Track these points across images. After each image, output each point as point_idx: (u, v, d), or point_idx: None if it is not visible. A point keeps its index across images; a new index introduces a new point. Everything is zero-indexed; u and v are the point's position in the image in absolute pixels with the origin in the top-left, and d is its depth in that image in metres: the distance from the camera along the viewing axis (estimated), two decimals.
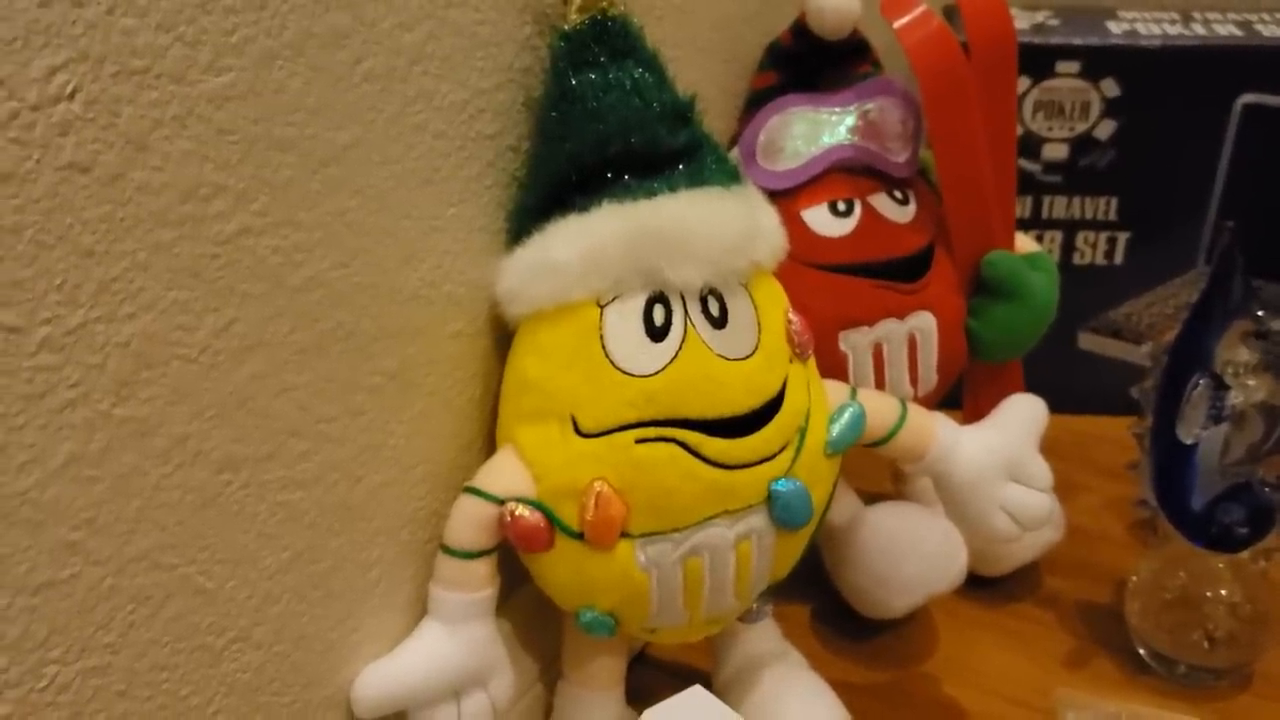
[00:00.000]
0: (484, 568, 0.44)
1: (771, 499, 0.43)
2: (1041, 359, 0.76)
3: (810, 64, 0.58)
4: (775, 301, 0.45)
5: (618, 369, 0.42)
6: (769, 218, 0.45)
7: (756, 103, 0.58)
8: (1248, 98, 0.68)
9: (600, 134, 0.42)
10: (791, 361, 0.45)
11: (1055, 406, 0.77)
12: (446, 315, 0.44)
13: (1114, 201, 0.72)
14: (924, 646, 0.59)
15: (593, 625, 0.44)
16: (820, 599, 0.61)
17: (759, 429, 0.43)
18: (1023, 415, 0.49)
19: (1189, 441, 0.51)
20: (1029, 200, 0.73)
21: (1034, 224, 0.73)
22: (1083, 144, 0.71)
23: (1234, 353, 0.51)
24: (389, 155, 0.40)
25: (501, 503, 0.43)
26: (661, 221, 0.42)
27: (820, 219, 0.55)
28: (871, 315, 0.55)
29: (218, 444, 0.36)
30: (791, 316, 0.45)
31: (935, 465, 0.48)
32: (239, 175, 0.34)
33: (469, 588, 0.44)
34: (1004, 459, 0.48)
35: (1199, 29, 0.69)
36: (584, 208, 0.42)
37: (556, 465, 0.43)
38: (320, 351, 0.39)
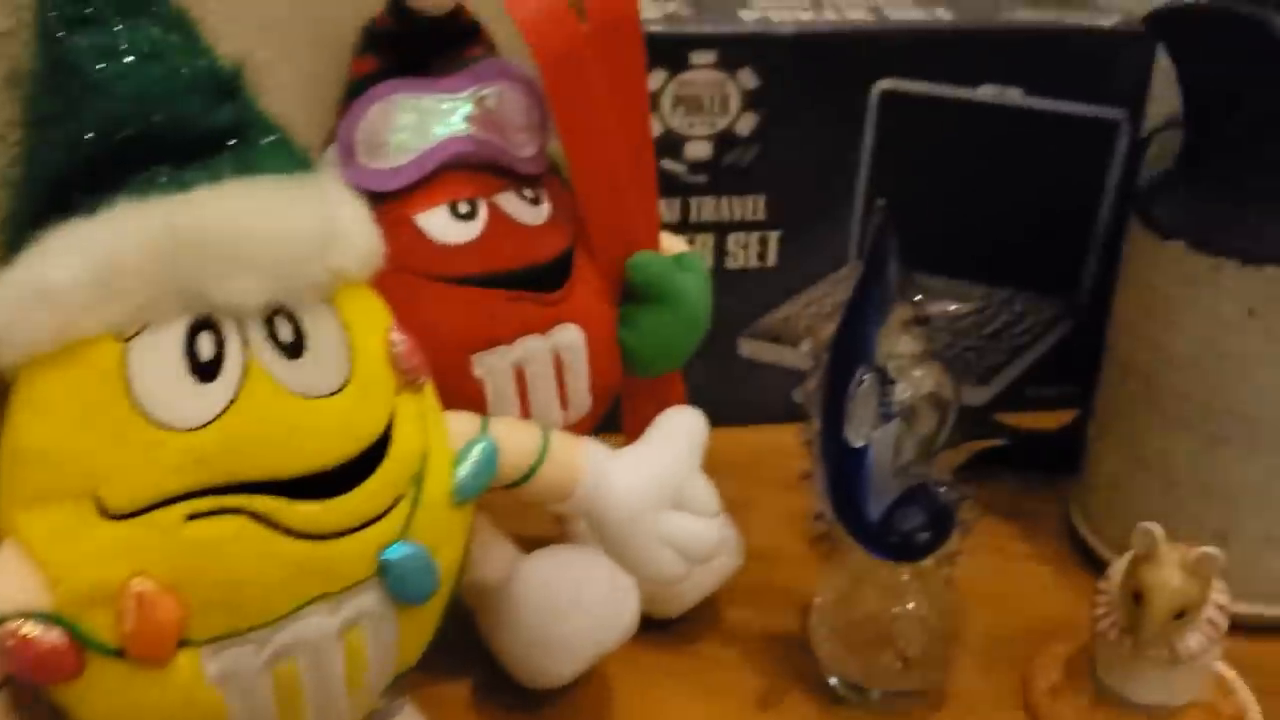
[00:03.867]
0: None
1: (384, 571, 0.34)
2: (705, 370, 0.70)
3: (413, 46, 0.49)
4: (372, 319, 0.36)
5: (153, 423, 0.32)
6: (354, 214, 0.37)
7: (356, 92, 0.48)
8: (884, 84, 0.66)
9: (108, 112, 0.32)
10: (399, 393, 0.36)
11: (723, 419, 0.72)
12: None
13: (761, 200, 0.68)
14: (602, 706, 0.52)
15: None
16: (483, 670, 0.52)
17: (358, 483, 0.34)
18: (680, 432, 0.43)
19: (859, 444, 0.46)
20: (676, 203, 0.68)
21: (683, 228, 0.68)
22: (725, 141, 0.66)
23: (897, 344, 0.47)
24: None
25: (1, 621, 0.31)
26: (200, 221, 0.32)
27: (438, 223, 0.47)
28: (509, 332, 0.47)
29: None
30: (395, 336, 0.36)
31: (586, 501, 0.40)
32: None
33: None
34: (663, 485, 0.41)
35: (830, 15, 0.66)
36: (91, 209, 0.32)
37: (78, 561, 0.32)
38: None
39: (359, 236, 0.36)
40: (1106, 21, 0.66)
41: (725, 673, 0.53)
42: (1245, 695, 0.49)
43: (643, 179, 0.52)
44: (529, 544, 0.51)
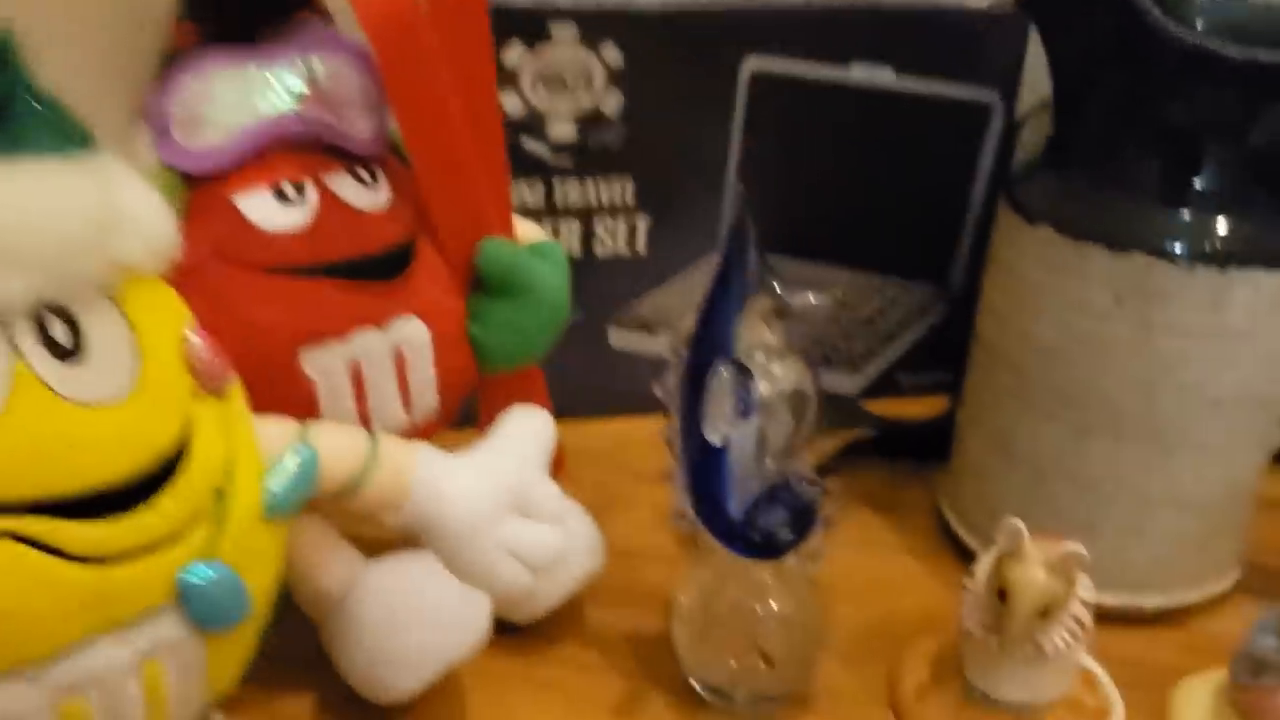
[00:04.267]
0: None
1: (183, 596, 0.31)
2: (575, 361, 0.68)
3: (237, 13, 0.46)
4: (165, 317, 0.33)
5: None
6: (142, 197, 0.33)
7: (174, 63, 0.44)
8: (753, 63, 0.64)
9: None
10: (198, 398, 0.32)
11: (592, 410, 0.70)
12: None
13: (630, 183, 0.66)
14: (451, 718, 0.49)
15: None
16: (325, 685, 0.48)
17: (148, 500, 0.30)
18: (523, 433, 0.40)
19: (719, 441, 0.43)
20: (540, 187, 0.65)
21: (548, 213, 0.65)
22: (590, 121, 0.64)
23: (757, 335, 0.44)
24: None
25: None
26: None
27: (262, 207, 0.43)
28: (342, 326, 0.44)
29: None
30: (191, 335, 0.33)
31: (420, 511, 0.37)
32: None
33: None
34: (504, 490, 0.38)
35: None
36: None
37: None
38: None
39: (147, 223, 0.32)
40: (980, 1, 0.65)
41: (585, 678, 0.51)
42: (1110, 689, 0.48)
43: (492, 160, 0.49)
44: (380, 548, 0.47)
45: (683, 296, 0.69)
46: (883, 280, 0.71)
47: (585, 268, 0.66)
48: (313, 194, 0.44)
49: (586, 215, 0.66)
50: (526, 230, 0.51)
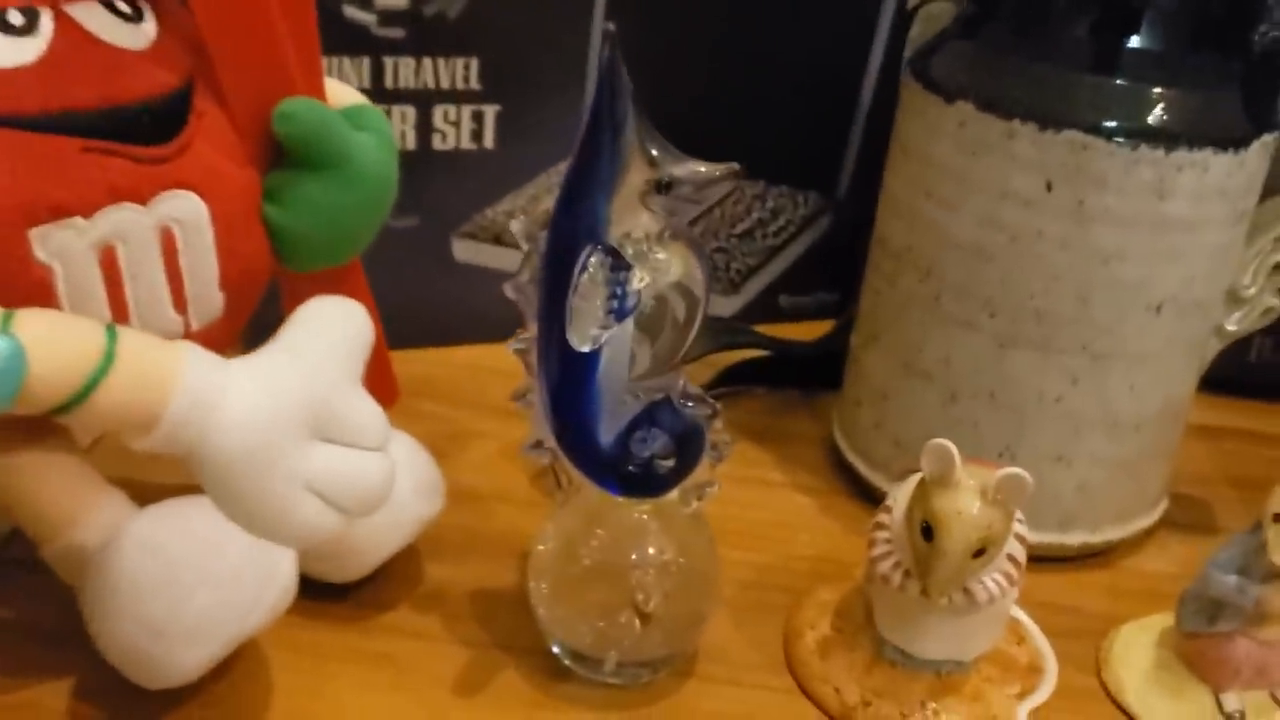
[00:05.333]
0: None
1: None
2: (411, 277, 0.58)
3: None
4: None
5: None
6: None
7: None
8: None
9: None
10: None
11: (435, 337, 0.61)
12: None
13: (474, 64, 0.56)
14: (251, 703, 0.39)
15: None
16: (84, 667, 0.38)
17: None
18: (327, 329, 0.30)
19: (586, 348, 0.35)
20: (366, 64, 0.54)
21: (378, 97, 0.54)
22: None
23: (633, 219, 0.35)
24: None
25: None
26: None
27: None
28: (88, 199, 0.33)
29: None
30: None
31: (182, 433, 0.27)
32: None
33: None
34: (301, 405, 0.28)
35: None
36: None
37: None
38: None
39: None
40: None
41: (421, 648, 0.41)
42: (1040, 640, 0.42)
43: (298, 3, 0.39)
44: (159, 495, 0.37)
45: (542, 201, 0.59)
46: (764, 188, 0.63)
47: (422, 165, 0.56)
48: (47, 23, 0.33)
49: (423, 101, 0.56)
50: (340, 93, 0.41)
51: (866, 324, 0.50)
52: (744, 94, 0.60)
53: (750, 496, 0.51)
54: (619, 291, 0.35)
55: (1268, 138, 0.42)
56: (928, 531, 0.36)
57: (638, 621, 0.39)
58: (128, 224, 0.34)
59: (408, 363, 0.51)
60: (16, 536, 0.38)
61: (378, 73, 0.55)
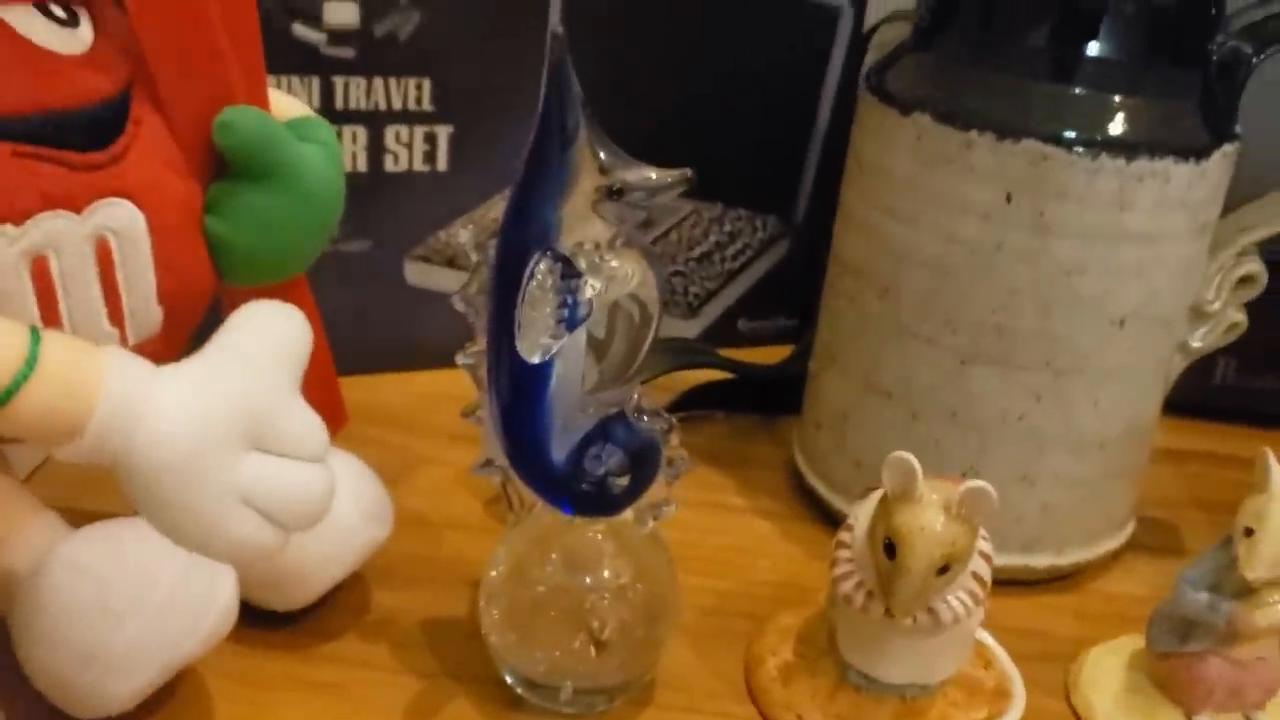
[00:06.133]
0: None
1: None
2: (362, 302, 0.57)
3: None
4: None
5: None
6: None
7: None
8: None
9: None
10: None
11: (386, 362, 0.59)
12: None
13: (426, 84, 0.55)
14: None
15: None
16: (10, 695, 0.36)
17: None
18: (261, 331, 0.29)
19: (537, 359, 0.33)
20: (315, 84, 0.53)
21: (328, 117, 0.52)
22: (377, 3, 0.53)
23: (584, 228, 0.34)
24: None
25: None
26: None
27: None
28: (18, 206, 0.32)
29: None
30: None
31: (108, 442, 0.26)
32: None
33: None
34: (236, 413, 0.27)
35: None
36: None
37: None
38: None
39: None
40: None
41: (370, 678, 0.40)
42: (1008, 664, 0.41)
43: (240, 11, 0.38)
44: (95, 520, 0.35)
45: (497, 223, 0.58)
46: (722, 210, 0.63)
47: (373, 187, 0.55)
48: None
49: (374, 122, 0.55)
50: (285, 104, 0.40)
51: (825, 344, 0.50)
52: (700, 117, 0.60)
53: (711, 522, 0.50)
54: (569, 300, 0.33)
55: (1229, 148, 0.42)
56: (890, 549, 0.35)
57: (593, 648, 0.38)
58: (60, 233, 0.32)
59: (358, 389, 0.50)
60: None
61: (328, 93, 0.54)
